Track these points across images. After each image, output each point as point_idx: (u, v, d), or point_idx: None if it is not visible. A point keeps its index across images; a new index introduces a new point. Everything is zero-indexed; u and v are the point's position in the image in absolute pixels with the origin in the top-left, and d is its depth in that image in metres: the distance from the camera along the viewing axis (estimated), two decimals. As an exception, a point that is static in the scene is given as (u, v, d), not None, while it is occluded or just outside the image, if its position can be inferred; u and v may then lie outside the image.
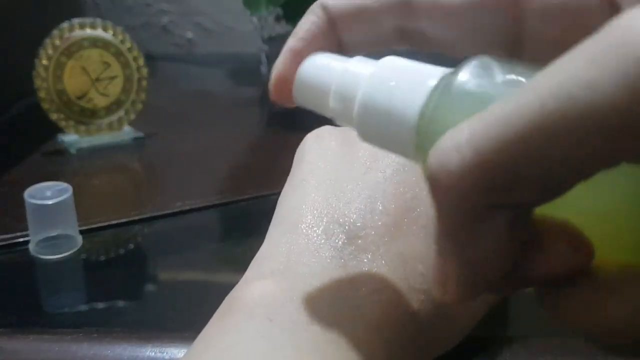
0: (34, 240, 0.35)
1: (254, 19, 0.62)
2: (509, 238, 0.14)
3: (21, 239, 0.36)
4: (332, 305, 0.20)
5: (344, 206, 0.23)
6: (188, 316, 0.30)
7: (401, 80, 0.17)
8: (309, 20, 0.21)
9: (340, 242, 0.22)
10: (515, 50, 0.20)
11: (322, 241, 0.22)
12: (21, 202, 0.35)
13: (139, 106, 0.51)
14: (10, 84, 0.58)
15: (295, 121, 0.57)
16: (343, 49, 0.21)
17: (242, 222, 0.40)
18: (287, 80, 0.20)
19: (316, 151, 0.26)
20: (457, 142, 0.13)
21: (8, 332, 0.28)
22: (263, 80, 0.64)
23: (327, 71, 0.19)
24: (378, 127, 0.18)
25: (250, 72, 0.67)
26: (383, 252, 0.22)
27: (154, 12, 0.81)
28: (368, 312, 0.21)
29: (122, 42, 0.50)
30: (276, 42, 0.62)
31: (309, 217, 0.23)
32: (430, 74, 0.17)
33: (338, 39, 0.21)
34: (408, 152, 0.17)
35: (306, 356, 0.19)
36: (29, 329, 0.29)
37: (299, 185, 0.25)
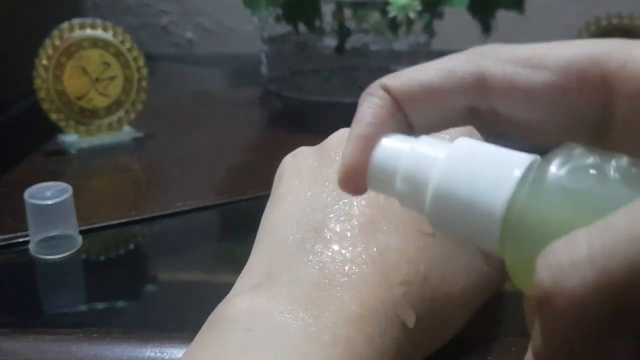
0: (34, 240, 0.35)
1: (254, 19, 0.62)
2: None
3: (21, 239, 0.36)
4: (311, 306, 0.21)
5: (320, 214, 0.24)
6: (188, 316, 0.30)
7: (482, 167, 0.16)
8: (374, 104, 0.20)
9: (318, 248, 0.23)
10: (601, 138, 0.18)
11: (300, 249, 0.23)
12: (21, 202, 0.35)
13: (139, 106, 0.51)
14: (10, 84, 0.58)
15: (296, 121, 0.57)
16: (411, 130, 0.20)
17: (242, 222, 0.40)
18: (359, 168, 0.19)
19: (293, 169, 0.27)
20: (576, 259, 0.12)
21: (8, 332, 0.28)
22: (263, 81, 0.64)
23: (399, 153, 0.18)
24: (455, 216, 0.17)
25: (250, 72, 0.67)
26: (361, 250, 0.23)
27: (154, 13, 0.81)
28: (348, 310, 0.21)
29: (122, 42, 0.50)
30: (276, 43, 0.62)
31: (287, 230, 0.24)
32: (515, 161, 0.16)
33: (405, 120, 0.20)
34: (490, 245, 0.16)
35: (284, 357, 0.19)
36: (28, 329, 0.29)
37: (278, 202, 0.26)
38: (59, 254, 0.35)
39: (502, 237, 0.16)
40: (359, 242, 0.23)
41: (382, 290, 0.22)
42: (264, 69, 0.64)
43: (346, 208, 0.24)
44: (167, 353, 0.27)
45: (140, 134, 0.51)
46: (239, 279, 0.24)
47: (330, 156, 0.26)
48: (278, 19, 0.60)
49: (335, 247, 0.23)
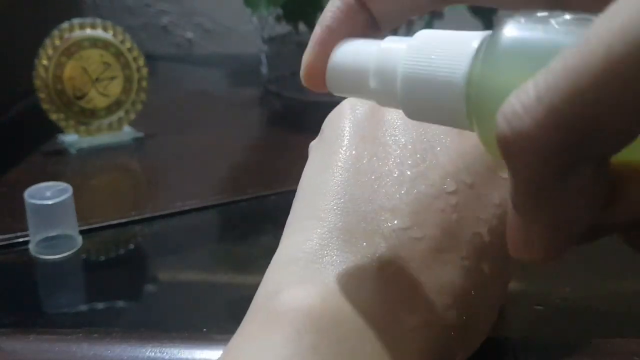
0: (34, 240, 0.35)
1: (254, 19, 0.62)
2: (592, 190, 0.14)
3: (21, 239, 0.36)
4: (372, 318, 0.20)
5: (387, 214, 0.22)
6: (188, 316, 0.30)
7: (440, 49, 0.17)
8: (334, 6, 0.20)
9: (376, 239, 0.21)
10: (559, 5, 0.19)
11: (356, 239, 0.21)
12: (21, 202, 0.35)
13: (139, 106, 0.51)
14: (10, 84, 0.58)
15: (295, 121, 0.57)
16: (374, 27, 0.20)
17: (242, 222, 0.40)
18: (319, 69, 0.19)
19: (356, 127, 0.24)
20: (526, 102, 0.13)
21: (8, 332, 0.28)
22: (263, 81, 0.64)
23: (362, 54, 0.18)
24: (425, 101, 0.17)
25: (250, 72, 0.67)
26: (421, 282, 0.21)
27: (154, 13, 0.81)
28: (403, 318, 0.20)
29: (122, 42, 0.50)
30: (276, 43, 0.62)
31: (339, 211, 0.22)
32: (470, 38, 0.16)
33: (368, 17, 0.20)
34: (461, 123, 0.17)
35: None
36: (28, 329, 0.29)
37: (332, 174, 0.23)
38: (59, 254, 0.35)
39: (469, 112, 0.16)
40: (420, 272, 0.21)
41: (432, 334, 0.21)
42: (264, 69, 0.64)
43: (417, 219, 0.22)
44: (167, 353, 0.27)
45: (140, 134, 0.51)
46: (279, 263, 0.22)
47: (382, 121, 0.24)
48: (278, 19, 0.60)
49: (397, 269, 0.21)
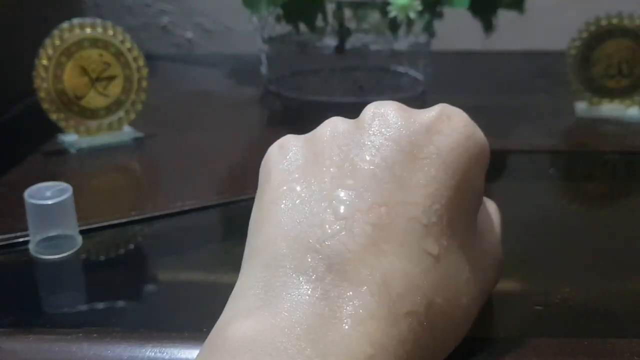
0: (33, 240, 0.35)
1: (254, 19, 0.62)
2: None
3: (21, 239, 0.36)
4: (317, 341, 0.20)
5: (319, 231, 0.22)
6: (188, 316, 0.30)
7: None
8: None
9: (319, 272, 0.21)
10: None
11: (300, 271, 0.22)
12: (21, 202, 0.35)
13: (139, 106, 0.51)
14: (10, 84, 0.58)
15: (296, 121, 0.57)
16: None
17: (242, 222, 0.39)
18: None
19: (282, 168, 0.25)
20: None
21: (7, 332, 0.28)
22: (263, 81, 0.64)
23: None
24: None
25: (250, 72, 0.67)
26: (364, 277, 0.21)
27: (154, 13, 0.81)
28: (355, 346, 0.20)
29: (122, 42, 0.50)
30: (276, 43, 0.62)
31: (283, 247, 0.22)
32: None
33: None
34: None
35: None
36: (28, 329, 0.29)
37: (268, 210, 0.24)
38: (59, 254, 0.35)
39: None
40: (362, 267, 0.21)
41: (388, 325, 0.21)
42: (264, 69, 0.64)
43: (346, 223, 0.22)
44: (167, 353, 0.27)
45: (140, 134, 0.51)
46: (233, 296, 0.23)
47: (322, 153, 0.25)
48: (278, 19, 0.60)
49: (337, 272, 0.21)
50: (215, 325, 0.22)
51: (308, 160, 0.25)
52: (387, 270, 0.22)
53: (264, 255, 0.23)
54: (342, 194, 0.23)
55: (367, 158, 0.23)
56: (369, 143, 0.24)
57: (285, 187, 0.24)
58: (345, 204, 0.23)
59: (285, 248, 0.22)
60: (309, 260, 0.22)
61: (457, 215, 0.24)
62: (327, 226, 0.22)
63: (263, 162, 0.27)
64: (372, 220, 0.22)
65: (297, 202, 0.23)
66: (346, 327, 0.20)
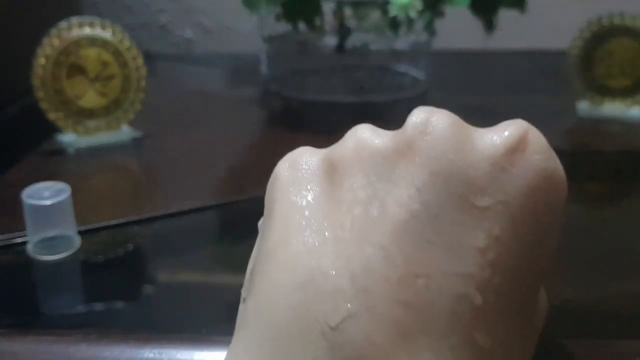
0: (32, 240, 0.35)
1: (254, 19, 0.62)
2: None
3: (19, 240, 0.36)
4: None
5: (329, 305, 0.16)
6: (187, 317, 0.30)
7: None
8: None
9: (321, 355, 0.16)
10: None
11: (306, 355, 0.16)
12: (19, 202, 0.35)
13: (138, 106, 0.51)
14: (8, 83, 0.57)
15: (296, 121, 0.57)
16: None
17: (242, 222, 0.39)
18: None
19: (289, 197, 0.19)
20: None
21: (5, 333, 0.28)
22: (263, 80, 0.64)
23: None
24: None
25: (250, 71, 0.67)
26: None
27: (153, 12, 0.81)
28: None
29: (121, 41, 0.50)
30: (276, 42, 0.62)
31: (280, 319, 0.17)
32: None
33: None
34: None
35: None
36: (26, 330, 0.28)
37: (267, 257, 0.18)
38: (57, 254, 0.35)
39: None
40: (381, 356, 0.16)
41: None
42: (263, 68, 0.64)
43: (367, 299, 0.16)
44: (165, 354, 0.27)
45: (139, 134, 0.51)
46: None
47: (341, 183, 0.18)
48: (278, 18, 0.60)
49: (336, 340, 0.16)
50: None
51: (323, 191, 0.19)
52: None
53: (257, 324, 0.18)
54: (364, 253, 0.17)
55: (403, 200, 0.17)
56: (407, 177, 0.17)
57: (290, 229, 0.18)
58: (367, 269, 0.17)
59: (283, 320, 0.17)
60: (312, 348, 0.16)
61: (522, 291, 0.17)
62: (340, 300, 0.16)
63: (270, 183, 0.21)
64: (405, 298, 0.16)
65: (303, 253, 0.17)
66: None
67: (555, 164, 0.18)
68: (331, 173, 0.19)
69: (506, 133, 0.18)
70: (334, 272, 0.17)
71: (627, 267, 0.34)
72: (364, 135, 0.19)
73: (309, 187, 0.19)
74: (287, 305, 0.17)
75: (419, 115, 0.18)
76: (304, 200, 0.19)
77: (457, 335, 0.16)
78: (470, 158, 0.17)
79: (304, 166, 0.20)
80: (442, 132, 0.18)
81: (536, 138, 0.18)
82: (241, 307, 0.19)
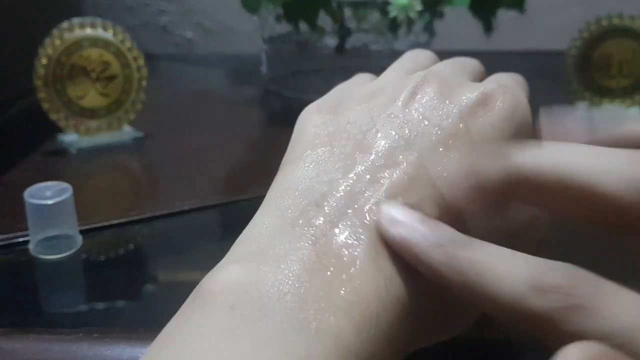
0: (33, 240, 0.35)
1: (254, 19, 0.62)
2: None
3: (21, 239, 0.36)
4: (300, 289, 0.19)
5: (326, 187, 0.23)
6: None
7: None
8: None
9: (315, 223, 0.21)
10: None
11: (296, 223, 0.22)
12: (21, 202, 0.35)
13: (139, 106, 0.51)
14: (10, 83, 0.57)
15: (295, 121, 0.57)
16: None
17: (242, 222, 0.39)
18: None
19: (312, 132, 0.26)
20: None
21: (7, 332, 0.28)
22: (263, 80, 0.64)
23: None
24: None
25: (250, 72, 0.67)
26: (357, 231, 0.21)
27: (153, 12, 0.81)
28: (337, 296, 0.19)
29: (122, 42, 0.50)
30: (277, 42, 0.62)
31: (288, 200, 0.23)
32: None
33: None
34: None
35: (265, 347, 0.18)
36: (28, 329, 0.29)
37: (289, 167, 0.25)
38: (59, 253, 0.35)
39: None
40: (357, 224, 0.21)
41: (374, 277, 0.20)
42: (264, 69, 0.64)
43: (352, 183, 0.23)
44: (167, 353, 0.27)
45: (140, 134, 0.51)
46: (234, 244, 0.23)
47: (345, 112, 0.26)
48: (278, 19, 0.60)
49: (333, 225, 0.21)
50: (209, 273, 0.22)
51: (333, 125, 0.26)
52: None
53: (271, 205, 0.23)
54: (357, 158, 0.23)
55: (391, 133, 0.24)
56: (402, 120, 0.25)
57: (309, 151, 0.25)
58: (358, 170, 0.23)
59: (291, 199, 0.23)
60: (309, 213, 0.22)
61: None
62: (334, 185, 0.23)
63: (299, 119, 0.28)
64: (374, 179, 0.23)
65: (315, 162, 0.24)
66: (329, 275, 0.20)
67: (514, 107, 0.26)
68: (339, 112, 0.27)
69: (479, 89, 0.26)
70: (335, 180, 0.23)
71: (628, 268, 0.34)
72: (365, 78, 0.33)
73: (326, 123, 0.27)
74: (296, 189, 0.24)
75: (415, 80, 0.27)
76: (324, 131, 0.27)
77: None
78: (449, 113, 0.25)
79: (326, 106, 0.29)
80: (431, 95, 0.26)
81: (502, 91, 0.26)
82: (265, 198, 0.25)
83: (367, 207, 0.22)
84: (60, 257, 0.35)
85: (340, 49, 0.59)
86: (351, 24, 0.59)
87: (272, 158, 0.49)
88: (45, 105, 0.48)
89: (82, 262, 0.35)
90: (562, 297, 0.18)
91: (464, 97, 0.25)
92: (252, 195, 0.41)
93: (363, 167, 0.23)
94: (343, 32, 0.59)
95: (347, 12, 0.58)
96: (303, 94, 0.60)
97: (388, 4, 0.53)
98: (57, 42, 0.48)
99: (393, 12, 0.53)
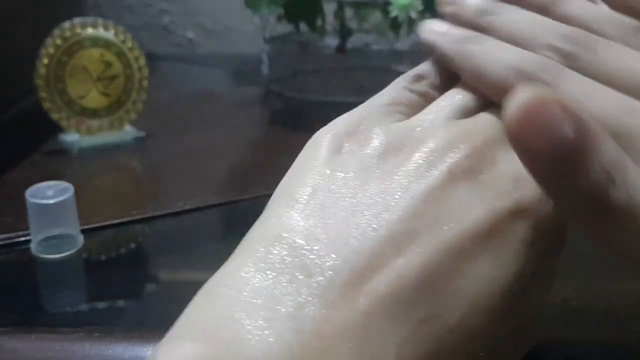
0: (35, 239, 0.35)
1: (256, 19, 0.62)
2: None
3: (22, 239, 0.36)
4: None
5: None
6: (189, 316, 0.30)
7: None
8: None
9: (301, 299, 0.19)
10: None
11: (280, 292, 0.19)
12: (22, 202, 0.35)
13: (140, 106, 0.51)
14: (12, 83, 0.58)
15: (297, 121, 0.57)
16: None
17: (242, 222, 0.39)
18: None
19: (324, 175, 0.22)
20: None
21: (9, 332, 0.28)
22: (264, 80, 0.64)
23: None
24: None
25: (251, 72, 0.67)
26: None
27: (155, 12, 0.81)
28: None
29: (124, 41, 0.50)
30: (278, 42, 0.62)
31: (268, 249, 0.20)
32: None
33: None
34: None
35: None
36: (30, 328, 0.29)
37: (287, 207, 0.22)
38: (60, 253, 0.35)
39: None
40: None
41: None
42: (265, 69, 0.64)
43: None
44: (168, 352, 0.27)
45: (141, 134, 0.51)
46: (187, 308, 0.20)
47: (387, 147, 0.22)
48: (280, 19, 0.60)
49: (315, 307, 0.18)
50: (161, 342, 0.19)
51: (358, 177, 0.22)
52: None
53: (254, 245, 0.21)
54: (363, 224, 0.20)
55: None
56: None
57: (316, 198, 0.22)
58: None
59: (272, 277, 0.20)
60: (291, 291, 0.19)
61: None
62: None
63: (309, 144, 0.24)
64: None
65: (323, 227, 0.20)
66: None
67: None
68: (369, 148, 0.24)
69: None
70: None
71: (628, 267, 0.34)
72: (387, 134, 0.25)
73: (349, 169, 0.23)
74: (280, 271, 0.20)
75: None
76: (339, 180, 0.23)
77: None
78: None
79: (345, 144, 0.24)
80: None
81: None
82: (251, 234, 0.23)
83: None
84: (62, 257, 0.35)
85: (341, 49, 0.59)
86: (352, 23, 0.59)
87: (273, 158, 0.49)
88: (47, 105, 0.48)
89: (83, 262, 0.35)
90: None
91: None
92: (252, 195, 0.41)
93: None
94: (344, 32, 0.59)
95: (349, 12, 0.59)
96: (304, 94, 0.60)
97: (389, 3, 0.53)
98: (59, 41, 0.48)
99: (394, 12, 0.53)
